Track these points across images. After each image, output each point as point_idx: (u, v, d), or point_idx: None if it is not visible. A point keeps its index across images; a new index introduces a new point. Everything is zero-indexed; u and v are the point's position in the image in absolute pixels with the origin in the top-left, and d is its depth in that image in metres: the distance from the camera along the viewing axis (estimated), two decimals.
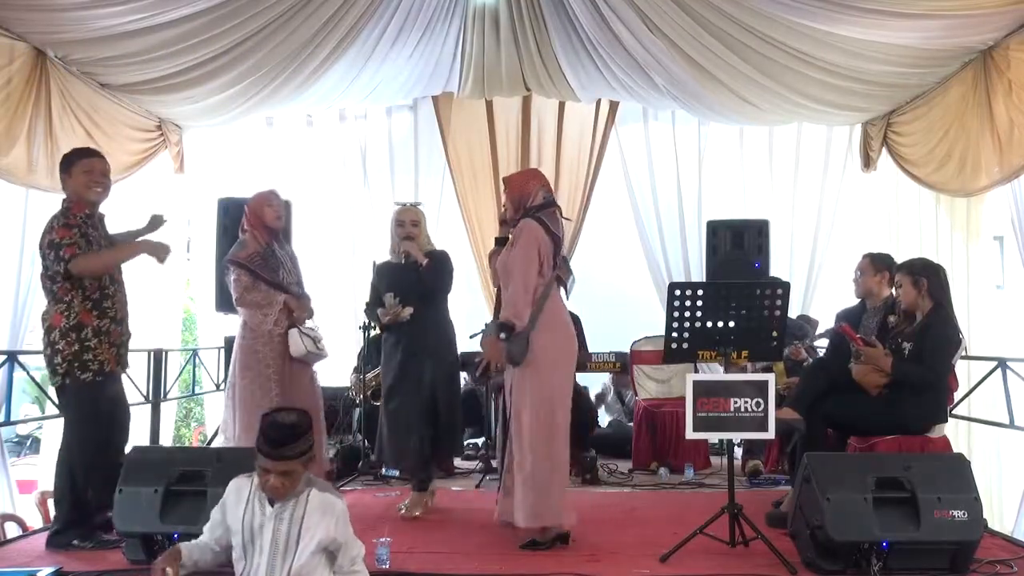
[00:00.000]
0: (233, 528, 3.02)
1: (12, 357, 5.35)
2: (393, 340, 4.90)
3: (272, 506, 2.99)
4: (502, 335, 3.96)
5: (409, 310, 4.77)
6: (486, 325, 6.43)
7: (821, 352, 6.18)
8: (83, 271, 4.02)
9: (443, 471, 6.05)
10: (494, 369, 4.17)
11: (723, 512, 3.98)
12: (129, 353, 4.37)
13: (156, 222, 4.57)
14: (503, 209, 4.31)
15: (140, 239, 4.39)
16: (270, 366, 4.74)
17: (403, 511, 4.79)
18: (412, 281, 4.81)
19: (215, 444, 5.68)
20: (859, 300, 5.28)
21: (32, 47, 5.32)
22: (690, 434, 4.00)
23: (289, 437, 2.93)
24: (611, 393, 7.65)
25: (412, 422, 4.73)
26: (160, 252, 4.24)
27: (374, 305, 4.96)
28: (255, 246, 4.81)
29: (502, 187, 4.39)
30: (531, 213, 4.10)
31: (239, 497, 3.05)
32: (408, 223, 4.89)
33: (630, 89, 7.27)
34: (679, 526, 4.09)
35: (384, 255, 5.11)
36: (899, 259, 5.09)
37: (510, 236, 4.19)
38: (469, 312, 7.25)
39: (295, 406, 4.64)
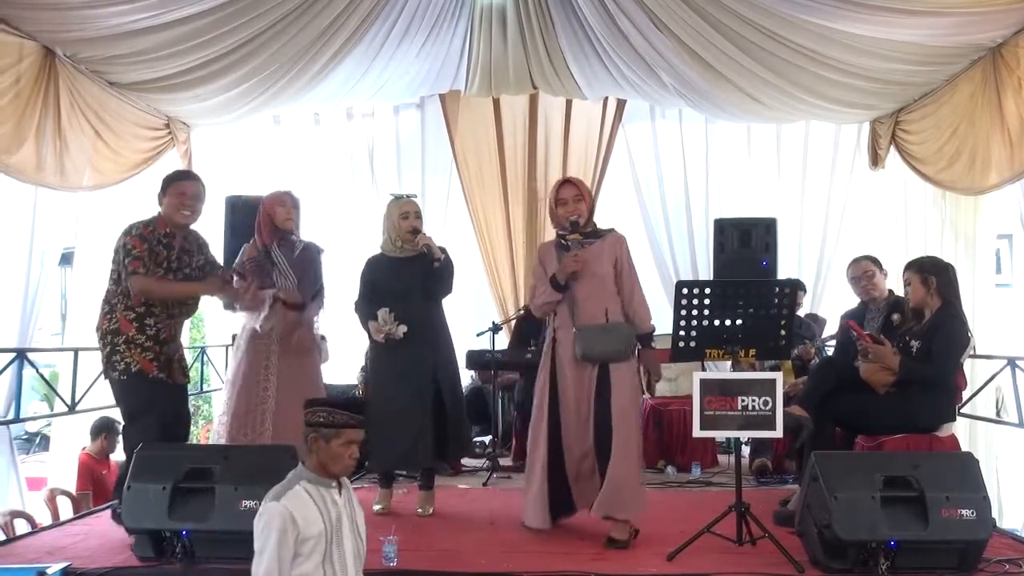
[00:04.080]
0: (316, 544, 2.73)
1: (21, 355, 5.37)
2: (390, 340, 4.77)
3: (340, 493, 2.84)
4: (653, 344, 4.31)
5: (403, 328, 4.65)
6: (493, 323, 6.46)
7: (830, 352, 6.17)
8: (139, 291, 4.20)
9: (452, 469, 6.06)
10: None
11: (730, 511, 3.98)
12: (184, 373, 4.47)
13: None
14: (576, 213, 4.27)
15: (207, 283, 4.52)
16: (267, 364, 4.76)
17: (420, 511, 4.81)
18: (415, 276, 4.73)
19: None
20: (860, 301, 5.27)
21: (41, 46, 5.34)
22: (697, 432, 4.00)
23: (355, 402, 2.86)
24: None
25: (415, 420, 4.68)
26: (229, 294, 4.55)
27: (366, 302, 4.83)
28: (252, 250, 4.85)
29: (566, 189, 4.35)
30: (602, 227, 4.41)
31: (304, 512, 2.71)
32: (413, 215, 4.82)
33: (637, 87, 7.27)
34: (686, 524, 4.08)
35: (363, 242, 4.99)
36: (907, 257, 5.08)
37: (568, 240, 4.28)
38: (476, 310, 7.26)
39: (294, 401, 4.72)
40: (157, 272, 4.24)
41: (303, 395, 4.75)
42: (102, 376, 4.40)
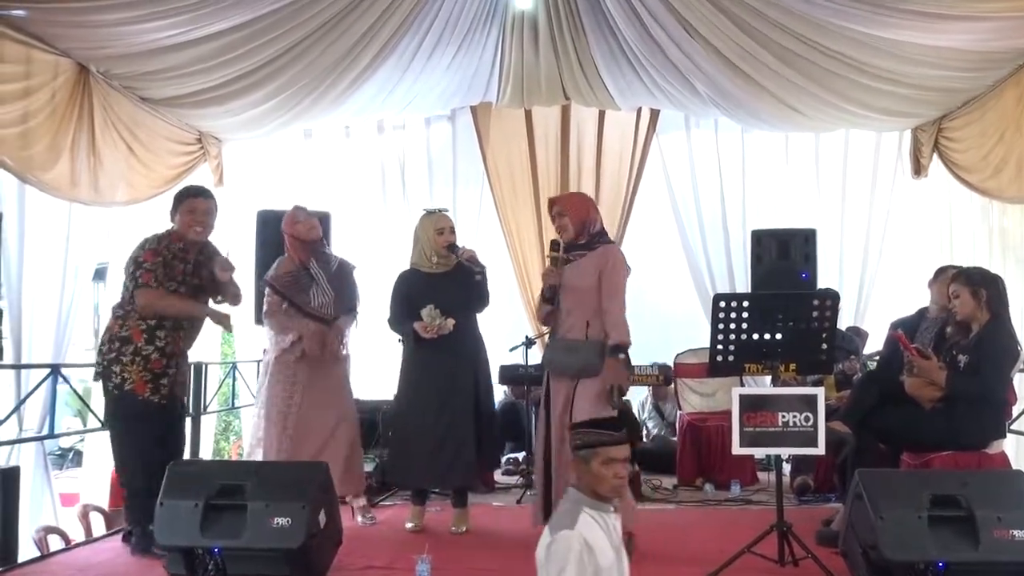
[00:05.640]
0: (608, 574, 2.67)
1: (55, 370, 5.43)
2: (426, 353, 4.79)
3: (614, 511, 2.75)
4: (621, 356, 4.20)
5: (452, 322, 4.69)
6: (526, 337, 6.44)
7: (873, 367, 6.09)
8: (144, 305, 4.28)
9: (485, 486, 6.05)
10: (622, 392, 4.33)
11: (772, 530, 3.93)
12: (181, 393, 4.52)
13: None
14: (562, 229, 4.38)
15: (208, 309, 4.59)
16: (293, 380, 4.81)
17: (454, 529, 4.81)
18: (452, 291, 4.76)
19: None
20: (917, 310, 5.17)
21: (75, 63, 5.43)
22: (736, 449, 3.96)
23: (612, 419, 2.83)
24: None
25: (454, 437, 4.69)
26: (223, 322, 4.56)
27: (401, 317, 4.84)
28: (289, 265, 4.90)
29: (547, 206, 4.56)
30: (601, 239, 4.41)
31: (596, 539, 2.64)
32: (448, 230, 4.86)
33: (671, 96, 7.24)
34: (726, 544, 4.04)
35: (395, 257, 5.03)
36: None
37: (563, 256, 4.36)
38: (510, 325, 7.25)
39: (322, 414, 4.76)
40: (170, 285, 4.33)
41: (328, 402, 4.85)
42: (94, 379, 4.49)
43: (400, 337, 5.02)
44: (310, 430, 4.82)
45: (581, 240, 4.37)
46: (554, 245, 4.38)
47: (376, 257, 7.19)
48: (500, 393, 7.89)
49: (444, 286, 4.78)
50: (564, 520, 2.63)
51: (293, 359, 4.83)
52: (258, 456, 4.87)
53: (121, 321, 4.33)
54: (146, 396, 4.27)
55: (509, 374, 6.64)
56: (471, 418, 4.73)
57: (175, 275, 4.35)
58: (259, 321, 5.52)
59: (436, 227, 4.85)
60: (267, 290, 4.93)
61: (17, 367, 5.29)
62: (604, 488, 2.69)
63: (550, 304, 4.36)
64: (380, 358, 6.51)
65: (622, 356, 4.20)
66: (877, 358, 5.94)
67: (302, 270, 4.87)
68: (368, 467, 5.73)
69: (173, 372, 4.38)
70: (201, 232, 4.46)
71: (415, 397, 4.87)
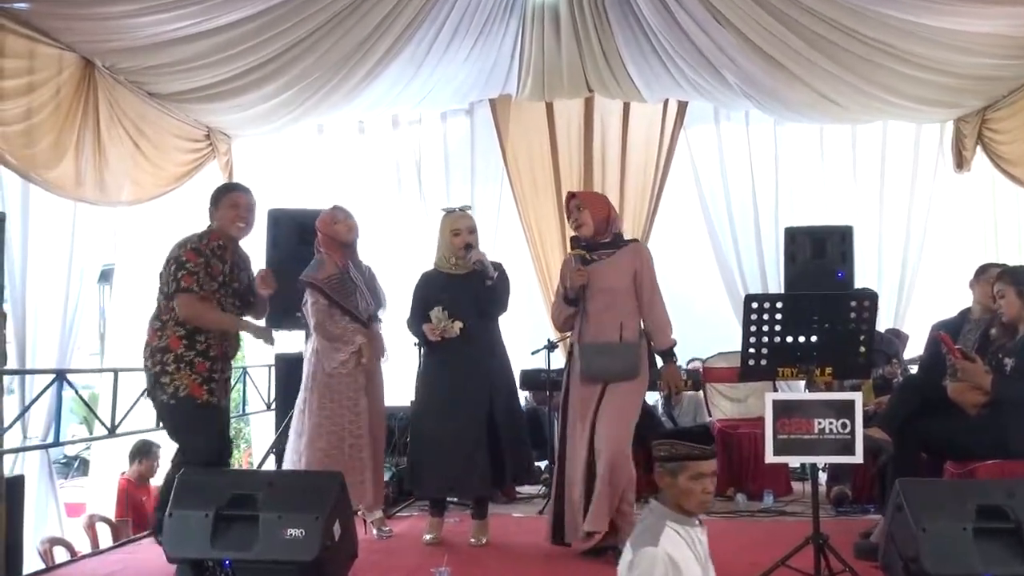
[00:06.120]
0: None
1: (61, 376, 5.46)
2: (441, 357, 4.84)
3: (704, 531, 2.78)
4: (673, 358, 4.46)
5: (459, 325, 4.68)
6: (548, 341, 6.44)
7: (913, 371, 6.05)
8: (183, 310, 4.25)
9: (505, 496, 6.05)
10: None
11: (807, 543, 3.90)
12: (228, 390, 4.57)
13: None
14: (580, 225, 4.41)
15: (249, 324, 4.63)
16: (356, 387, 4.86)
17: (474, 541, 4.80)
18: (470, 294, 4.77)
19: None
20: (959, 311, 5.13)
21: (80, 57, 5.49)
22: (770, 457, 3.94)
23: (700, 431, 2.83)
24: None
25: (468, 444, 4.69)
26: (264, 336, 4.62)
27: (417, 319, 4.88)
28: (332, 268, 4.85)
29: (565, 199, 4.61)
30: (625, 238, 4.51)
31: (682, 554, 2.64)
32: (465, 231, 4.85)
33: (700, 88, 7.23)
34: (758, 557, 4.02)
35: (426, 265, 5.05)
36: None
37: (588, 256, 4.39)
38: (532, 327, 7.25)
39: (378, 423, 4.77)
40: (212, 286, 4.32)
41: (381, 411, 4.95)
42: (145, 396, 4.52)
43: (417, 340, 5.07)
44: (373, 437, 4.91)
45: (604, 238, 4.37)
46: (577, 243, 4.37)
47: (391, 258, 7.21)
48: (521, 399, 7.91)
49: (460, 288, 4.78)
50: (647, 536, 2.64)
51: (347, 369, 4.81)
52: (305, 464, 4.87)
53: (159, 332, 4.30)
54: (205, 398, 4.29)
55: (530, 379, 6.63)
56: (482, 425, 4.70)
57: (215, 275, 4.34)
58: (279, 326, 5.53)
59: (452, 228, 4.85)
60: (315, 295, 4.82)
61: (21, 372, 5.35)
62: (691, 503, 2.70)
63: (574, 306, 4.34)
64: (396, 362, 6.52)
65: (673, 359, 4.46)
66: (918, 362, 5.89)
67: (344, 273, 4.88)
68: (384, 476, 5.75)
69: (219, 376, 4.39)
70: (244, 228, 4.47)
71: (427, 402, 4.92)
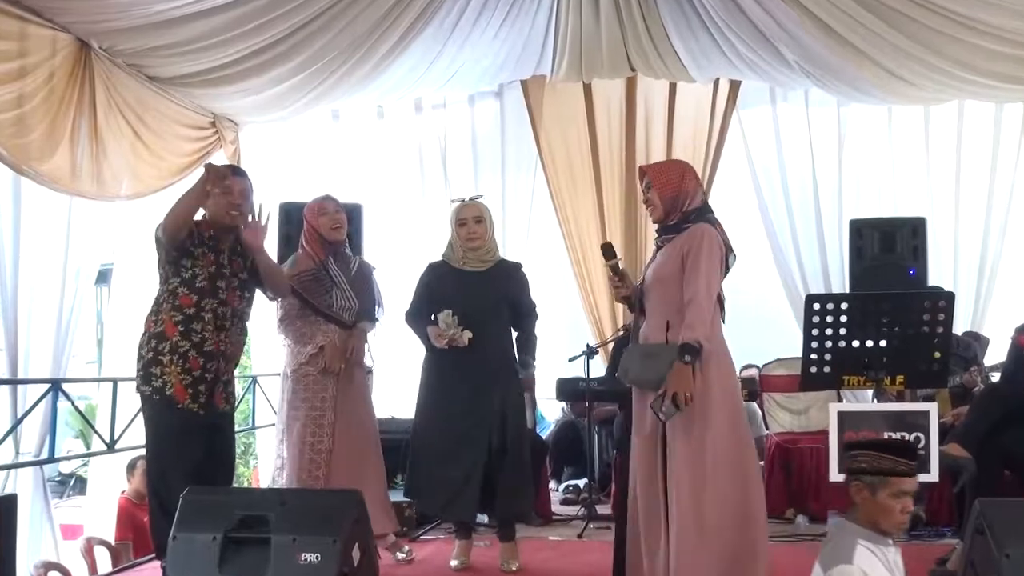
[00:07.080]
0: None
1: (56, 386, 5.47)
2: (445, 366, 4.77)
3: (894, 544, 2.80)
4: (687, 358, 3.64)
5: (468, 335, 4.61)
6: (588, 346, 6.43)
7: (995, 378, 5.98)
8: (167, 222, 4.15)
9: (541, 517, 6.04)
10: (685, 402, 3.63)
11: None
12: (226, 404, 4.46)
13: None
14: (651, 207, 3.95)
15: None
16: (323, 396, 4.86)
17: (504, 567, 4.77)
18: (479, 293, 4.72)
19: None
20: None
21: (75, 38, 5.53)
22: (835, 475, 3.92)
23: (905, 445, 2.87)
24: None
25: (465, 462, 4.67)
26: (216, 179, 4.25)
27: (418, 314, 4.83)
28: (307, 262, 4.89)
29: (643, 179, 4.02)
30: (695, 218, 3.90)
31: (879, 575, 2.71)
32: (471, 220, 4.77)
33: (754, 65, 7.19)
34: None
35: (435, 254, 4.97)
36: None
37: (620, 265, 4.09)
38: (569, 331, 7.25)
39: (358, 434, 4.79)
40: (202, 274, 4.26)
41: (360, 421, 4.91)
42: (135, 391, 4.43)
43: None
44: (346, 454, 4.86)
45: (671, 220, 3.92)
46: (607, 251, 4.07)
47: (412, 254, 7.23)
48: (558, 411, 7.91)
49: (471, 287, 4.73)
50: (839, 554, 2.66)
51: (316, 371, 4.85)
52: (282, 483, 4.92)
53: (155, 316, 4.27)
54: (185, 404, 4.20)
55: (568, 389, 6.60)
56: (485, 443, 4.66)
57: (206, 264, 4.27)
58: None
59: (458, 218, 4.79)
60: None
61: (13, 382, 5.39)
62: (888, 522, 2.73)
63: (641, 313, 4.01)
64: (410, 369, 6.52)
65: (688, 359, 3.63)
66: (1000, 368, 5.82)
67: (321, 269, 4.89)
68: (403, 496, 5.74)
69: (212, 378, 4.29)
70: (237, 217, 4.35)
71: (428, 412, 4.86)
